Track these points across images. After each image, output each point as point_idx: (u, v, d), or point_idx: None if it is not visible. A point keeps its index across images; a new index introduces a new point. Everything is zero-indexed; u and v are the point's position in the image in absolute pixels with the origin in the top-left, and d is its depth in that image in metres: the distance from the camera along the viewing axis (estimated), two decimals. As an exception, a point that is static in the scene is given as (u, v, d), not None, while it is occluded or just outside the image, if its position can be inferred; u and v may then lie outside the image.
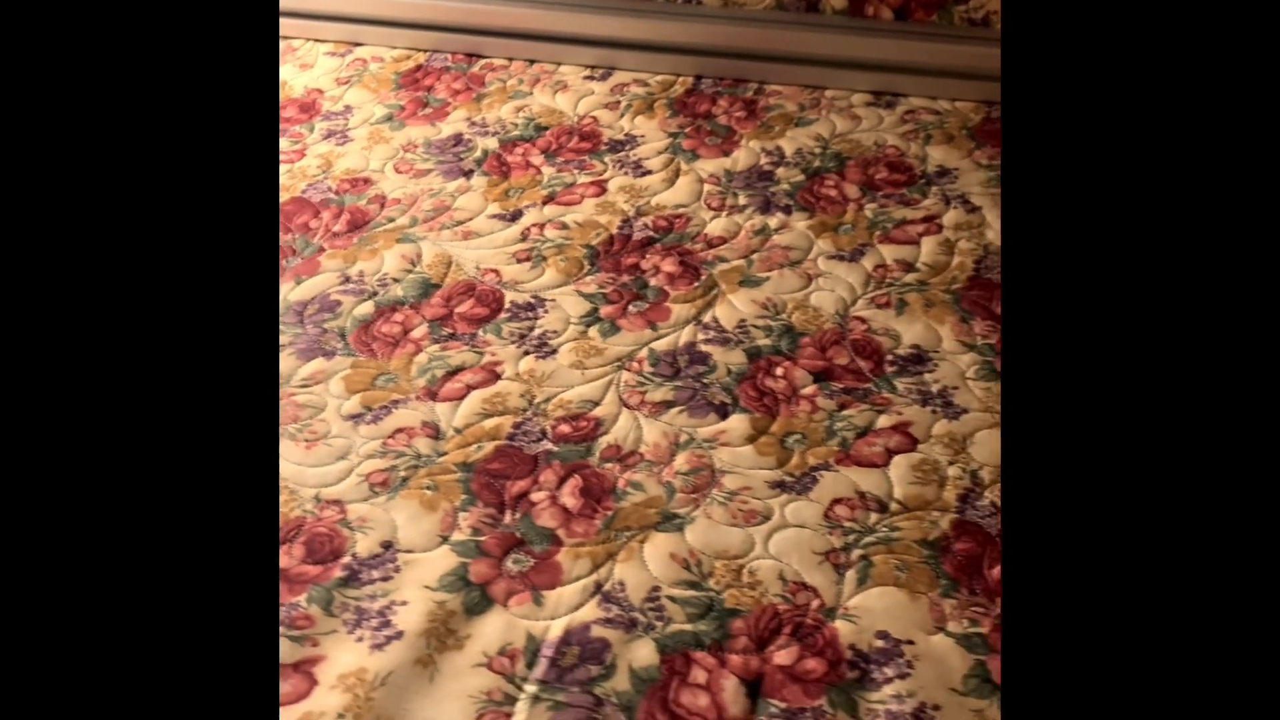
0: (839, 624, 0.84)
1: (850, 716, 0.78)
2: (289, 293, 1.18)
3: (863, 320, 1.13)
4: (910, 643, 0.83)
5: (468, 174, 1.37)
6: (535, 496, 0.95)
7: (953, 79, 1.48)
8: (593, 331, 1.13)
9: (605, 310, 1.15)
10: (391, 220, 1.29)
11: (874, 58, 1.49)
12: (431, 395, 1.05)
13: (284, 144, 1.44)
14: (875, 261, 1.21)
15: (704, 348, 1.10)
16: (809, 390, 1.05)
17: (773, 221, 1.28)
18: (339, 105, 1.52)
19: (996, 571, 0.88)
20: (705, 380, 1.06)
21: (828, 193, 1.32)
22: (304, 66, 1.61)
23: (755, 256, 1.22)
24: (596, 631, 0.84)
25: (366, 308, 1.15)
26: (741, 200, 1.31)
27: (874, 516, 0.93)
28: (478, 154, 1.41)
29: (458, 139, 1.44)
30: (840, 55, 1.50)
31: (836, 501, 0.94)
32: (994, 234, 1.25)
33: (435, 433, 1.01)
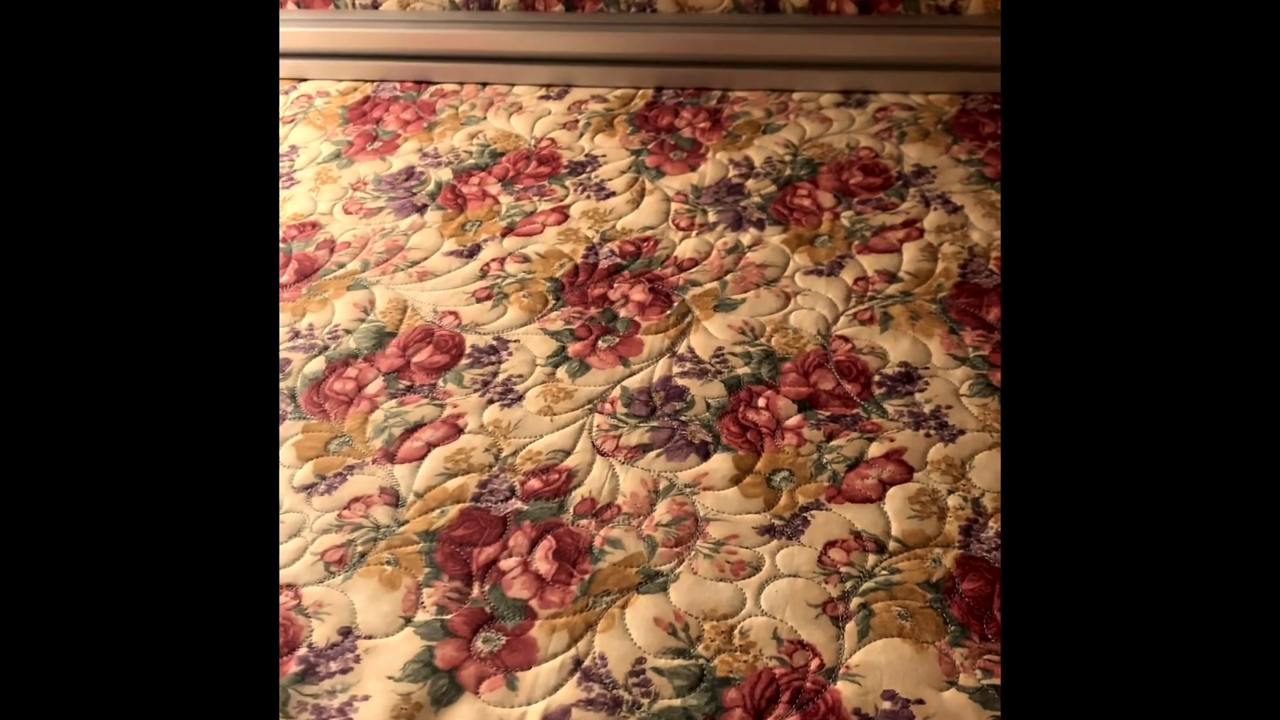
0: (841, 685, 0.77)
1: (860, 793, 0.71)
2: (235, 354, 1.10)
3: (846, 339, 1.06)
4: (920, 702, 0.76)
5: (421, 209, 1.30)
6: (505, 564, 0.87)
7: (924, 71, 1.41)
8: (561, 372, 1.05)
9: (573, 348, 1.08)
10: (342, 266, 1.22)
11: (840, 55, 1.43)
12: (389, 457, 0.98)
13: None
14: (855, 274, 1.14)
15: (680, 382, 1.03)
16: (794, 421, 0.98)
17: (745, 238, 1.20)
18: (285, 146, 1.45)
19: (1009, 612, 0.81)
20: (683, 418, 0.99)
21: (801, 203, 1.25)
22: (247, 107, 1.54)
23: (729, 278, 1.15)
24: (577, 716, 0.77)
25: (317, 364, 1.08)
26: (711, 217, 1.24)
27: (872, 559, 0.86)
28: (431, 187, 1.33)
29: (409, 173, 1.37)
30: (805, 55, 1.43)
31: (831, 544, 0.87)
32: (979, 234, 1.18)
33: (394, 499, 0.93)
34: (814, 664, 0.79)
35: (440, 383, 1.05)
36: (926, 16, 1.42)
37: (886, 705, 0.76)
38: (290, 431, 1.01)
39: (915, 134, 1.34)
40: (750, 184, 1.29)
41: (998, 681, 0.77)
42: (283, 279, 1.21)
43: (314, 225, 1.29)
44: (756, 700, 0.77)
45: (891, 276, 1.13)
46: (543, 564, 0.87)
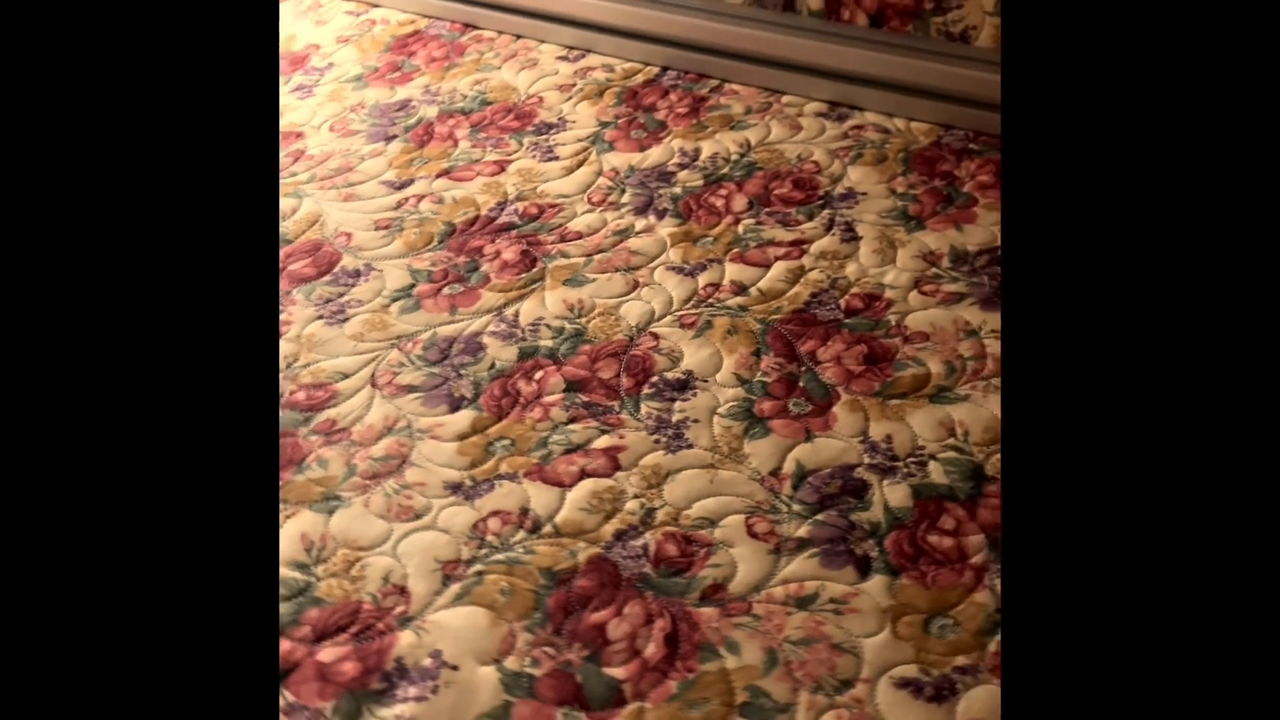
0: (405, 634, 0.82)
1: (346, 726, 0.77)
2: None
3: (656, 337, 1.08)
4: (455, 668, 0.80)
5: (389, 140, 1.40)
6: (226, 454, 0.97)
7: (916, 97, 1.36)
8: (394, 307, 1.13)
9: (420, 288, 1.16)
10: (294, 175, 1.35)
11: (840, 66, 1.40)
12: (209, 344, 1.09)
13: (248, 92, 1.52)
14: (711, 279, 1.14)
15: (485, 339, 1.09)
16: (553, 399, 1.02)
17: (640, 224, 1.23)
18: (324, 62, 1.59)
19: (595, 616, 0.83)
20: (463, 371, 1.05)
21: (713, 202, 1.26)
22: (319, 23, 1.69)
23: (597, 257, 1.19)
24: (182, 591, 0.86)
25: (211, 254, 1.21)
26: (625, 198, 1.27)
27: (520, 535, 0.90)
28: (411, 121, 1.43)
29: (404, 105, 1.47)
30: (806, 60, 1.41)
31: (494, 513, 0.91)
32: (853, 269, 1.15)
33: (183, 379, 1.05)
34: (399, 610, 0.84)
35: (293, 292, 1.16)
36: (934, 41, 1.37)
37: (427, 662, 0.81)
38: (148, 303, 1.15)
39: (871, 157, 1.31)
40: (682, 175, 1.31)
41: (535, 673, 0.79)
42: (238, 176, 1.34)
43: (298, 135, 1.42)
44: (328, 625, 0.83)
45: (741, 289, 1.13)
46: (255, 463, 0.96)
